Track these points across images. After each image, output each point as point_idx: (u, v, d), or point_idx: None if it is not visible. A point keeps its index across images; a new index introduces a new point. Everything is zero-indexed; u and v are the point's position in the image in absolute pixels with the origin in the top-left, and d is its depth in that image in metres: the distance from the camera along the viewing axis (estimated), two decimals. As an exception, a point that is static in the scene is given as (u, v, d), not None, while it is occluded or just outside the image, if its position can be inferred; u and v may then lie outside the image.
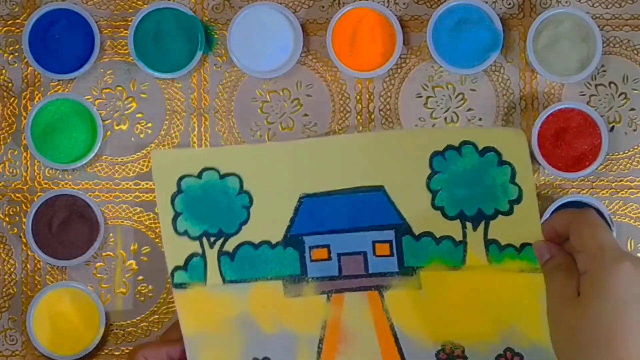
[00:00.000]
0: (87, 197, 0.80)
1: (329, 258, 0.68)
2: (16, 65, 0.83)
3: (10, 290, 0.82)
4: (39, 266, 0.82)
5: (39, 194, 0.82)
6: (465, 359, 0.67)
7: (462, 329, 0.66)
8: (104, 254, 0.82)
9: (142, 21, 0.81)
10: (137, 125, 0.82)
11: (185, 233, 0.71)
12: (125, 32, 0.82)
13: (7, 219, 0.82)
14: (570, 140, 0.80)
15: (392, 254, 0.66)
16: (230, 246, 0.70)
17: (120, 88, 0.82)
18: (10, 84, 0.82)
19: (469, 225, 0.64)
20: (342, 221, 0.68)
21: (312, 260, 0.68)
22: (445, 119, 0.82)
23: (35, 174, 0.82)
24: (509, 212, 0.64)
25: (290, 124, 0.82)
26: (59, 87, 0.82)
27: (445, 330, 0.66)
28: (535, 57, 0.80)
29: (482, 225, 0.64)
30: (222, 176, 0.70)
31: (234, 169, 0.70)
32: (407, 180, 0.66)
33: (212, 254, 0.70)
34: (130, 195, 0.82)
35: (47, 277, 0.81)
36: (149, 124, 0.82)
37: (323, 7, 0.82)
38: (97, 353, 0.81)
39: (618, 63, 0.82)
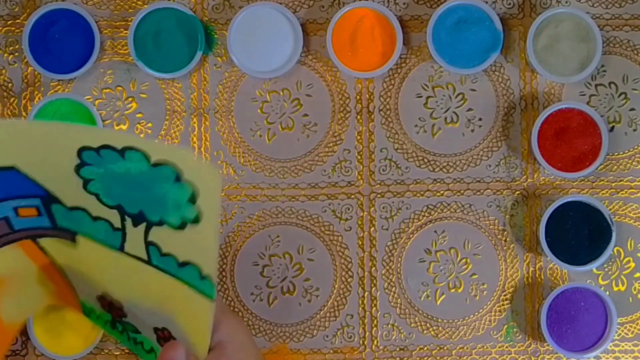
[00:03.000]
0: (87, 197, 0.80)
1: None
2: (16, 65, 0.83)
3: (10, 290, 0.82)
4: (39, 266, 0.81)
5: (39, 194, 0.81)
6: (125, 316, 0.64)
7: (120, 295, 0.63)
8: (104, 254, 0.81)
9: (142, 21, 0.81)
10: (137, 125, 0.82)
11: None
12: (125, 32, 0.82)
13: (7, 219, 0.82)
14: (570, 140, 0.80)
15: (41, 214, 0.63)
16: None
17: (120, 88, 0.82)
18: (10, 84, 0.82)
19: (128, 219, 0.60)
20: None
21: None
22: (445, 119, 0.82)
23: (35, 174, 0.82)
24: (179, 227, 0.58)
25: (290, 124, 0.82)
26: (59, 87, 0.82)
27: (103, 287, 0.63)
28: (535, 57, 0.80)
29: (143, 226, 0.60)
30: None
31: None
32: (50, 164, 0.60)
33: None
34: (130, 195, 0.82)
35: (47, 277, 0.81)
36: (149, 124, 0.82)
37: (323, 7, 0.82)
38: (97, 353, 0.81)
39: (618, 63, 0.82)
